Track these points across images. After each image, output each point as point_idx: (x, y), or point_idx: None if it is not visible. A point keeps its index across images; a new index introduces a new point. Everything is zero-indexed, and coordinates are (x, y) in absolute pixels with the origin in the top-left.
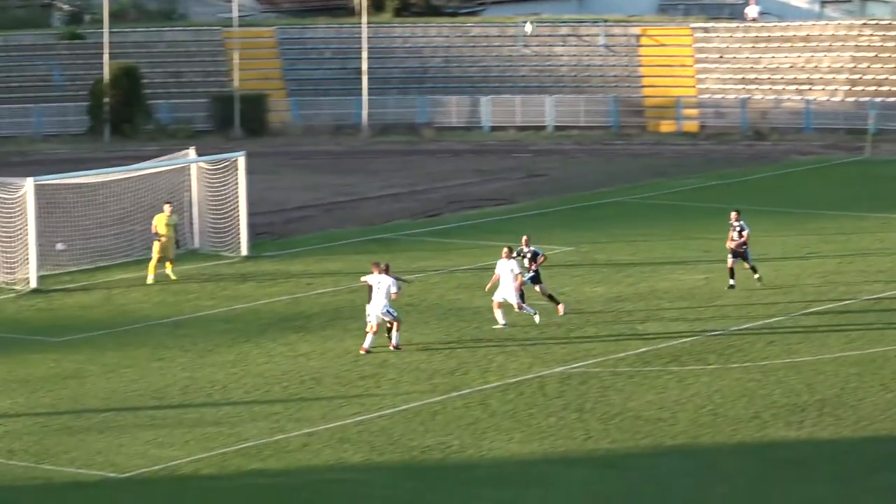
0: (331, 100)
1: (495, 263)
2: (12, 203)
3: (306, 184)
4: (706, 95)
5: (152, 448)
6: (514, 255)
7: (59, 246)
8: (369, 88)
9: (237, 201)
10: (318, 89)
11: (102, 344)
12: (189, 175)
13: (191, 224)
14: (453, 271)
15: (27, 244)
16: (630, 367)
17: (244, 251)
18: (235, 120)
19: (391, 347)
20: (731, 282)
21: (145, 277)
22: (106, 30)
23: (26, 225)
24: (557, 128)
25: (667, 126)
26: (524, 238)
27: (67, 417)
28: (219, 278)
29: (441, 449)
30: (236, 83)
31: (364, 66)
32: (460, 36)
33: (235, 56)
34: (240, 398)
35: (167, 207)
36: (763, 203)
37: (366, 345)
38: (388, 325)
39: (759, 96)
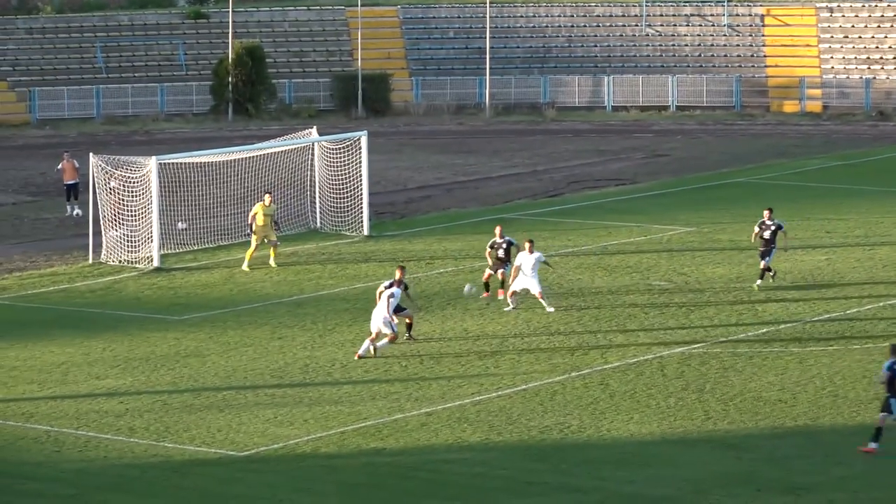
0: (453, 79)
1: (617, 243)
2: (136, 181)
3: (428, 163)
4: (830, 75)
5: (272, 426)
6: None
7: (181, 225)
8: (492, 68)
9: (359, 181)
10: (440, 69)
11: (223, 322)
12: (311, 154)
13: (312, 203)
14: (574, 252)
15: (150, 222)
16: (750, 349)
17: (365, 230)
18: (358, 99)
19: (372, 352)
20: (759, 282)
21: (266, 256)
22: (230, 9)
23: (149, 203)
24: (680, 108)
25: (790, 106)
26: (498, 228)
27: (188, 395)
28: (340, 257)
29: (560, 429)
30: (359, 63)
31: (487, 46)
32: (583, 15)
33: (358, 35)
34: (359, 377)
35: (267, 197)
36: (886, 184)
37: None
38: (407, 322)
39: (883, 76)
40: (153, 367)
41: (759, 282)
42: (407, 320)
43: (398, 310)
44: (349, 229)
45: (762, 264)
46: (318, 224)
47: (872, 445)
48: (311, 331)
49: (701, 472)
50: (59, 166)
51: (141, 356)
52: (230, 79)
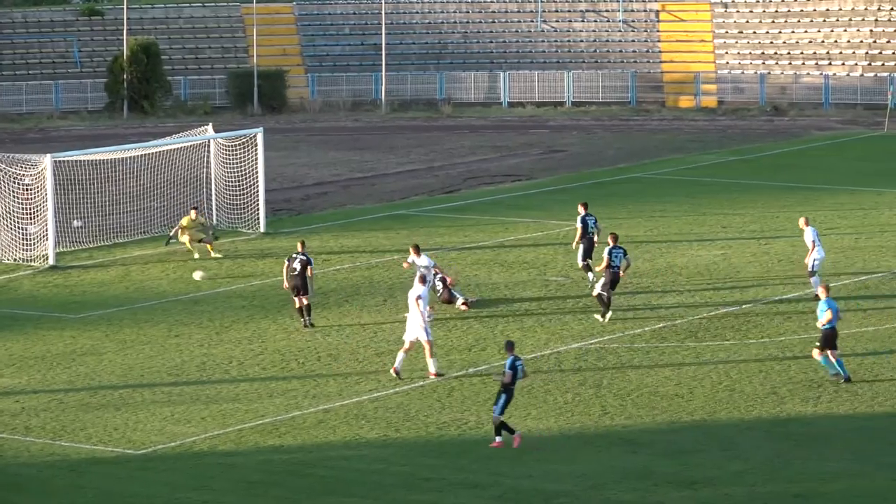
0: (349, 76)
1: (514, 239)
2: (31, 179)
3: (324, 160)
4: (725, 71)
5: (169, 424)
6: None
7: (76, 223)
8: (387, 64)
9: (255, 177)
10: (336, 65)
11: (119, 320)
12: (207, 151)
13: (208, 201)
14: (471, 247)
15: (45, 221)
16: (647, 343)
17: (262, 227)
18: (254, 96)
19: (432, 376)
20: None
21: (164, 253)
22: (125, 6)
23: (44, 201)
24: (576, 103)
25: (685, 102)
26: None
27: (84, 394)
28: (236, 254)
29: (458, 425)
30: (255, 59)
31: (382, 42)
32: (479, 11)
33: (254, 32)
34: (257, 374)
35: (193, 213)
36: (781, 179)
37: (397, 364)
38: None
39: (777, 72)
40: (49, 366)
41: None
42: (304, 300)
43: (301, 291)
44: (246, 226)
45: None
46: (215, 221)
47: (498, 440)
48: (208, 328)
49: (598, 466)
50: None
51: (37, 354)
52: (125, 76)
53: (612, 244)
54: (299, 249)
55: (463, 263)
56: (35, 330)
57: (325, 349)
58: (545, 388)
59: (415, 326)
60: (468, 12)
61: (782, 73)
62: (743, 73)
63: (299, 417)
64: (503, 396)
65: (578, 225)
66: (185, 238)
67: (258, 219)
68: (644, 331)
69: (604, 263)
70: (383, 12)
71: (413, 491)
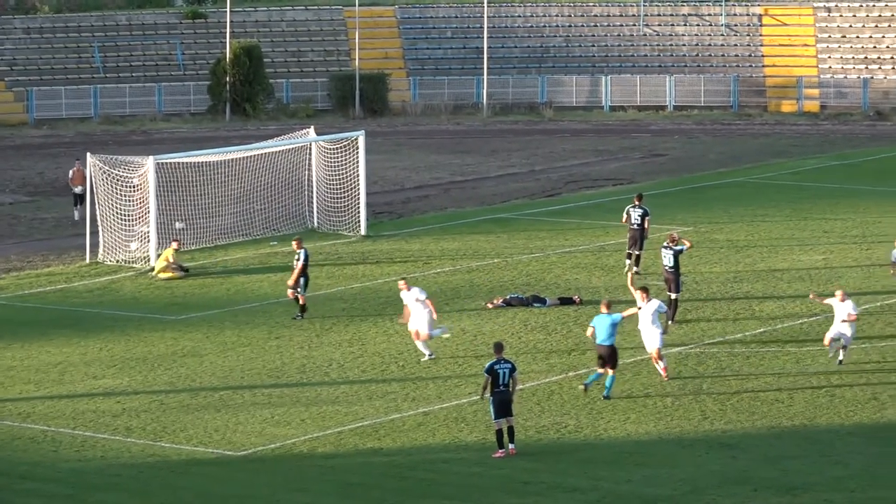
0: (451, 79)
1: (614, 243)
2: (133, 181)
3: (425, 163)
4: (828, 75)
5: (269, 426)
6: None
7: (179, 224)
8: (489, 68)
9: (356, 180)
10: (438, 68)
11: (220, 322)
12: (309, 154)
13: (309, 203)
14: (571, 251)
15: (147, 222)
16: (747, 348)
17: (363, 230)
18: (355, 99)
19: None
20: None
21: (265, 255)
22: (228, 9)
23: (147, 203)
24: (677, 107)
25: (788, 106)
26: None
27: (185, 395)
28: (337, 257)
29: (557, 429)
30: (357, 62)
31: (484, 46)
32: (581, 15)
33: (356, 35)
34: (356, 377)
35: (175, 244)
36: (884, 184)
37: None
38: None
39: (881, 76)
40: (150, 367)
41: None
42: (301, 301)
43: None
44: (346, 229)
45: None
46: (316, 224)
47: (500, 452)
48: (308, 331)
49: (697, 471)
50: (70, 173)
51: (138, 356)
52: (228, 78)
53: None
54: (295, 247)
55: (563, 267)
56: (137, 332)
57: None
58: (645, 391)
59: (420, 322)
60: (570, 16)
61: (885, 78)
62: (846, 77)
63: (399, 420)
64: (492, 400)
65: (624, 215)
66: (161, 266)
67: (359, 222)
68: (745, 335)
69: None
70: (485, 16)
71: (512, 494)
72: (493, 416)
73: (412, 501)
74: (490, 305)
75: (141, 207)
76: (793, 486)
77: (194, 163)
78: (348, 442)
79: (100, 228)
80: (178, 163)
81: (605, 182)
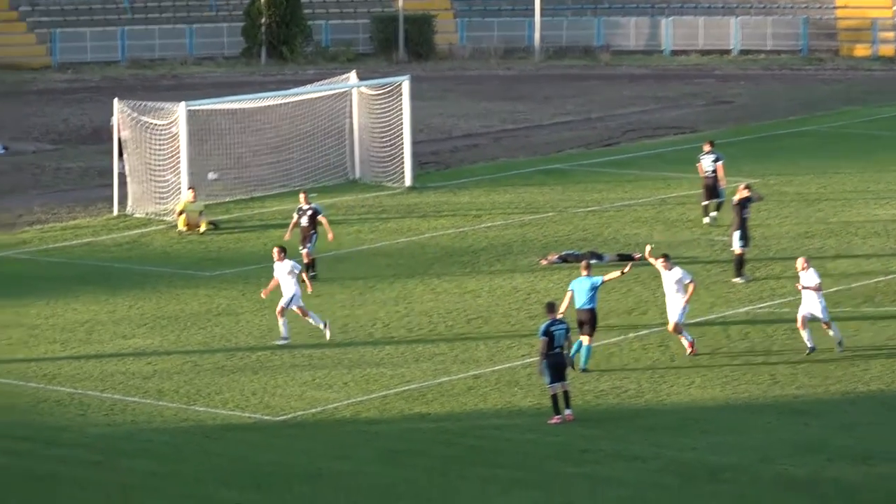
0: (501, 21)
1: (677, 196)
2: (164, 129)
3: (474, 110)
4: None
5: (309, 390)
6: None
7: (212, 175)
8: (542, 9)
9: (401, 129)
10: (487, 10)
11: (257, 279)
12: (350, 101)
13: (351, 153)
14: (631, 205)
15: (179, 173)
16: None
17: (408, 181)
18: (399, 42)
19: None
20: None
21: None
22: None
23: (178, 153)
24: (743, 51)
25: (861, 50)
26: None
27: (220, 356)
28: (381, 210)
29: (616, 393)
30: (400, 3)
31: None
32: None
33: None
34: (402, 337)
35: (191, 193)
36: None
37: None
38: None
39: None
40: (183, 326)
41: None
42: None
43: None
44: (391, 180)
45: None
46: (358, 175)
47: (556, 418)
48: (351, 288)
49: (767, 439)
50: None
51: (170, 314)
52: (263, 20)
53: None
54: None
55: (622, 221)
56: (168, 288)
57: (474, 311)
58: (710, 354)
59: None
60: None
61: None
62: None
63: (447, 383)
64: (545, 364)
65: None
66: (181, 220)
67: (404, 172)
68: None
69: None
70: None
71: (568, 462)
72: (547, 381)
73: (462, 470)
74: (544, 262)
75: (172, 157)
76: (869, 454)
77: (228, 109)
78: (393, 406)
79: (128, 179)
80: (211, 109)
81: (667, 131)
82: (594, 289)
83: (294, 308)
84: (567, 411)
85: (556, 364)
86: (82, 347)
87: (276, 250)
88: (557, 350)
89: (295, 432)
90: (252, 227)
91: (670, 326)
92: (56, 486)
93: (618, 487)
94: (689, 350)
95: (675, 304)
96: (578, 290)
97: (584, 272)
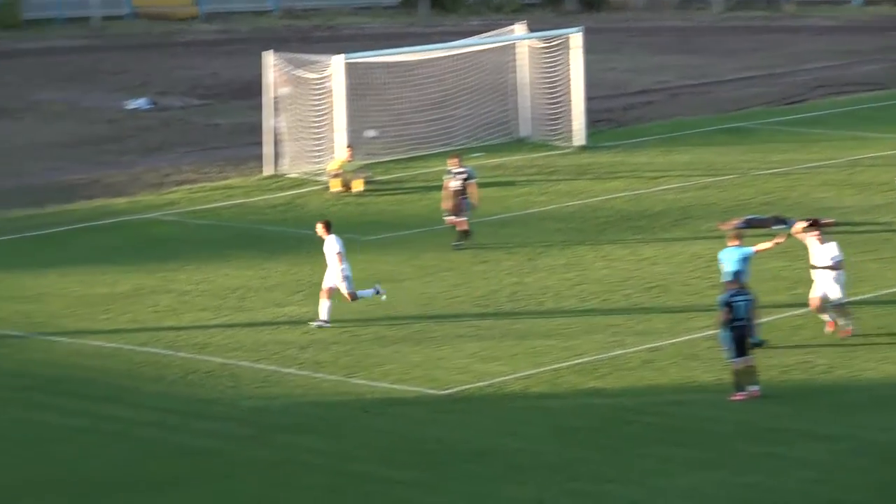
0: None
1: (870, 157)
2: (319, 84)
3: (649, 65)
4: None
5: (475, 362)
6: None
7: (371, 133)
8: None
9: (571, 84)
10: None
11: (419, 244)
12: (516, 54)
13: (518, 110)
14: (819, 166)
15: (334, 130)
16: None
17: (579, 140)
18: None
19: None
20: None
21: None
22: None
23: (334, 109)
24: None
25: None
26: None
27: (380, 326)
28: (551, 171)
29: (804, 369)
30: None
31: None
32: None
33: None
34: (574, 307)
35: (348, 151)
36: None
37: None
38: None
39: None
40: (341, 294)
41: None
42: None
43: (459, 211)
44: (561, 139)
45: None
46: (526, 133)
47: (740, 394)
48: (519, 254)
49: None
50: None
51: None
52: None
53: None
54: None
55: (809, 184)
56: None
57: (652, 279)
58: None
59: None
60: None
61: None
62: None
63: (622, 357)
64: (729, 336)
65: None
66: (337, 180)
67: (575, 131)
68: None
69: None
70: None
71: (753, 442)
72: (730, 355)
73: (638, 449)
74: (725, 227)
75: (328, 113)
76: None
77: (387, 63)
78: (565, 381)
79: (283, 137)
80: (370, 63)
81: (858, 87)
82: (745, 260)
83: (326, 288)
84: (753, 387)
85: (739, 337)
86: (234, 315)
87: (320, 225)
88: (740, 322)
89: (460, 407)
90: (413, 189)
91: (813, 304)
92: (207, 461)
93: (806, 469)
94: (829, 328)
95: (825, 282)
96: (728, 261)
97: (735, 242)
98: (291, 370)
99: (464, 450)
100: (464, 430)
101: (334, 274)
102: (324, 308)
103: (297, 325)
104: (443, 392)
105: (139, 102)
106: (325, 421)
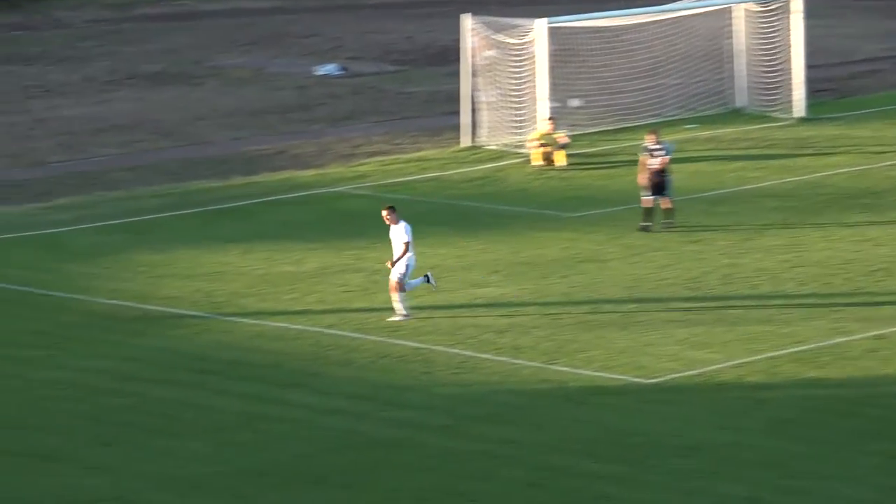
0: None
1: None
2: (520, 49)
3: (877, 30)
4: None
5: (686, 349)
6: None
7: (575, 102)
8: None
9: (791, 51)
10: None
11: (626, 221)
12: (732, 18)
13: (733, 78)
14: None
15: (536, 99)
16: None
17: (799, 112)
18: None
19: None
20: None
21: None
22: None
23: (536, 76)
24: None
25: None
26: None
27: (584, 309)
28: (768, 145)
29: None
30: None
31: None
32: None
33: None
34: (793, 291)
35: (549, 123)
36: None
37: None
38: None
39: None
40: (542, 274)
41: None
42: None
43: (660, 191)
44: (779, 110)
45: None
46: (742, 104)
47: None
48: (733, 234)
49: None
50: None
51: (527, 260)
52: None
53: None
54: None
55: None
56: (526, 231)
57: (877, 261)
58: None
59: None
60: None
61: None
62: None
63: (845, 345)
64: None
65: None
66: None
67: (795, 101)
68: None
69: None
70: None
71: None
72: None
73: (863, 444)
74: None
75: (530, 81)
76: None
77: (594, 27)
78: (782, 370)
79: (482, 106)
80: (574, 27)
81: None
82: None
83: (394, 280)
84: None
85: None
86: (428, 296)
87: (385, 211)
88: None
89: (669, 397)
90: (621, 162)
91: None
92: (397, 452)
93: None
94: None
95: None
96: None
97: None
98: (488, 356)
99: (672, 443)
100: (672, 423)
101: (398, 263)
102: (401, 301)
103: (494, 307)
104: (650, 381)
105: (329, 68)
106: (523, 411)
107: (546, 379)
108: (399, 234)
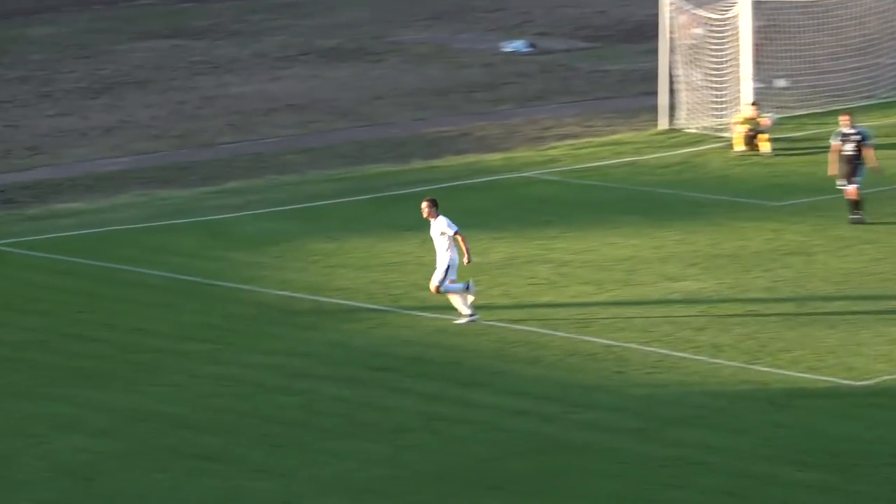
0: None
1: None
2: (722, 25)
3: None
4: None
5: None
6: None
7: (781, 82)
8: None
9: None
10: None
11: (835, 212)
12: None
13: None
14: None
15: (739, 79)
16: None
17: None
18: None
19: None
20: None
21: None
22: None
23: (740, 54)
24: None
25: None
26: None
27: (788, 305)
28: None
29: None
30: None
31: None
32: None
33: None
34: None
35: (752, 109)
36: None
37: None
38: None
39: None
40: (743, 268)
41: None
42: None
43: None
44: None
45: None
46: None
47: None
48: None
49: None
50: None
51: (727, 252)
52: None
53: None
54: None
55: None
56: (726, 220)
57: None
58: None
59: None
60: None
61: None
62: None
63: None
64: None
65: None
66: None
67: None
68: None
69: None
70: None
71: None
72: None
73: None
74: None
75: (732, 59)
76: None
77: (801, 2)
78: None
79: (679, 86)
80: (781, 1)
81: None
82: None
83: (434, 284)
84: None
85: None
86: (622, 290)
87: (425, 204)
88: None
89: (881, 401)
90: (829, 148)
91: None
92: (587, 457)
93: None
94: None
95: None
96: None
97: None
98: (685, 354)
99: (883, 451)
100: (884, 429)
101: (441, 260)
102: (457, 302)
103: (692, 302)
104: (860, 383)
105: (517, 45)
106: (722, 414)
107: (747, 380)
108: (441, 228)
